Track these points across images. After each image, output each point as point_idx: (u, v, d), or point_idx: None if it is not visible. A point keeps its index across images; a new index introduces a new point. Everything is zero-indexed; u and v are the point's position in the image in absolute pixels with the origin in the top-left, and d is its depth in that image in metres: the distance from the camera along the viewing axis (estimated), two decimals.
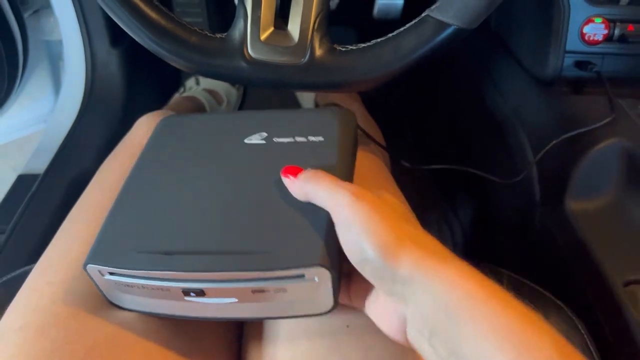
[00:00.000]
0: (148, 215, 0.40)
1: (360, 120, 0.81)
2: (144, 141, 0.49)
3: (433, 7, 0.47)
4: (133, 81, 1.02)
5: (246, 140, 0.46)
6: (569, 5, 0.67)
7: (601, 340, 0.50)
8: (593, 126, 0.61)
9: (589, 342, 0.48)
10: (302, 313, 0.38)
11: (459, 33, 0.46)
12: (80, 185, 0.54)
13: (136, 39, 0.48)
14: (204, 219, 0.39)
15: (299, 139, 0.45)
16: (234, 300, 0.37)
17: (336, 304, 0.37)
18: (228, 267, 0.35)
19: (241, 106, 1.28)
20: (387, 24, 1.17)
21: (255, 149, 0.45)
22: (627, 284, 0.52)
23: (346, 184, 0.36)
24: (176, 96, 1.14)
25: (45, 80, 1.15)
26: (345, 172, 0.42)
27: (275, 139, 0.46)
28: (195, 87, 1.16)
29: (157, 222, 0.40)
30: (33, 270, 0.44)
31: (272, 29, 0.49)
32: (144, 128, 0.58)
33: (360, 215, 0.33)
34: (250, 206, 0.40)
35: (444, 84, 1.04)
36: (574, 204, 0.60)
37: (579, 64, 0.72)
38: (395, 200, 0.37)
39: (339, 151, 0.44)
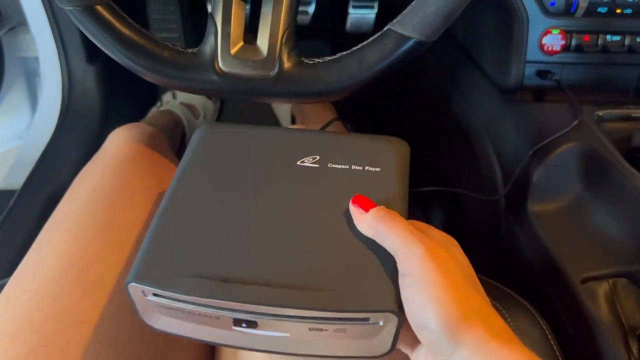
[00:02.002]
0: (198, 235, 0.37)
1: (333, 131, 0.84)
2: (118, 153, 0.50)
3: (395, 20, 0.49)
4: (110, 96, 1.03)
5: (299, 162, 0.44)
6: (528, 18, 0.70)
7: (562, 335, 0.52)
8: (562, 132, 0.64)
9: (550, 338, 0.51)
10: (355, 354, 0.36)
11: (419, 46, 0.49)
12: (57, 201, 0.55)
13: (110, 55, 0.50)
14: (261, 245, 0.37)
15: (355, 167, 0.44)
16: (287, 334, 0.35)
17: (393, 348, 0.35)
18: (292, 302, 0.33)
19: (217, 120, 1.29)
20: (360, 37, 1.20)
21: (309, 172, 0.43)
22: (585, 280, 0.54)
23: (420, 236, 0.33)
24: (153, 110, 1.15)
25: (21, 97, 1.15)
26: (403, 211, 0.40)
27: (330, 164, 0.44)
28: (172, 101, 1.18)
29: (208, 243, 0.37)
30: (9, 281, 0.45)
31: (241, 43, 0.52)
32: (117, 140, 0.59)
33: (430, 277, 0.31)
34: (310, 236, 0.37)
35: (414, 93, 1.07)
36: (536, 207, 0.63)
37: (539, 73, 0.75)
38: (462, 256, 0.35)
39: (398, 186, 0.42)
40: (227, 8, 0.51)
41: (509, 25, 0.71)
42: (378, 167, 0.43)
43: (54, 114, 1.00)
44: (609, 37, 0.71)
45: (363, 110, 1.24)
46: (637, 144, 0.60)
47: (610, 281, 0.54)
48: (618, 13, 0.69)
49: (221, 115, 1.31)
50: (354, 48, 0.51)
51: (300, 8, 1.07)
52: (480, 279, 0.34)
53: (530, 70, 0.75)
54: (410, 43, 0.49)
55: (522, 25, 0.70)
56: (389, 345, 0.35)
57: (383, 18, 1.07)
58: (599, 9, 0.69)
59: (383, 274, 0.35)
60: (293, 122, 1.16)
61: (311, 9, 1.07)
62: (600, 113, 0.66)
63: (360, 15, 1.10)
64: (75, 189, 0.55)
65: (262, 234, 0.38)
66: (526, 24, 0.70)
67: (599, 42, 0.71)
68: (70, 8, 0.47)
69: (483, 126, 0.77)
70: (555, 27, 0.71)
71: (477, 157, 0.77)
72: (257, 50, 0.51)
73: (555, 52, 0.72)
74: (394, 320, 0.33)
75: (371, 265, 0.35)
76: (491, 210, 0.72)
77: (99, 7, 0.48)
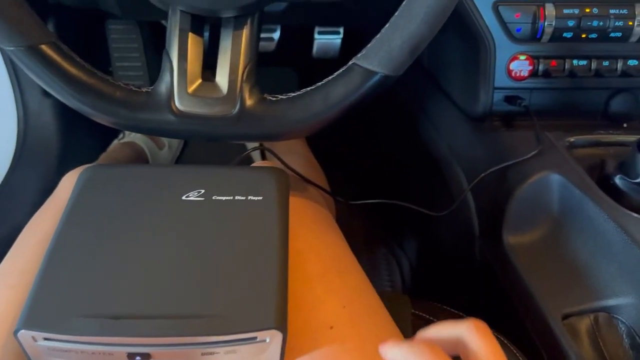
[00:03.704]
0: (84, 276, 0.39)
1: (303, 162, 0.81)
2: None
3: (359, 54, 0.47)
4: (69, 130, 0.99)
5: (184, 197, 0.46)
6: (495, 45, 0.69)
7: None
8: (520, 159, 0.63)
9: None
10: None
11: (385, 80, 0.47)
12: (12, 243, 0.52)
13: (58, 97, 0.47)
14: (149, 280, 0.39)
15: (239, 197, 0.46)
16: None
17: None
18: (180, 331, 0.35)
19: (183, 150, 1.26)
20: (328, 62, 1.19)
21: (195, 206, 0.45)
22: (566, 317, 0.52)
23: None
24: (115, 142, 1.11)
25: None
26: (283, 232, 0.44)
27: (215, 197, 0.46)
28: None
29: (95, 283, 0.38)
30: None
31: (200, 80, 0.49)
32: (68, 185, 0.56)
33: None
34: (194, 266, 0.40)
35: (384, 119, 1.06)
36: (510, 238, 0.61)
37: (508, 99, 0.74)
38: None
39: (279, 212, 0.46)
40: (183, 43, 0.48)
41: (475, 53, 0.70)
42: (260, 196, 0.46)
43: (9, 150, 0.96)
44: (575, 61, 0.71)
45: (332, 138, 1.22)
46: (610, 171, 0.59)
47: (592, 316, 0.52)
48: (583, 38, 0.69)
49: (186, 147, 1.28)
50: (319, 83, 0.49)
51: (265, 35, 1.05)
52: (450, 312, 0.33)
53: (498, 96, 0.74)
54: (376, 78, 0.47)
55: (489, 52, 0.69)
56: (277, 357, 0.38)
57: (349, 43, 1.06)
58: (565, 34, 0.68)
59: (265, 294, 0.38)
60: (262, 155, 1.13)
61: (276, 35, 1.05)
62: (571, 139, 0.65)
63: (326, 41, 1.10)
64: (22, 239, 0.51)
65: (149, 269, 0.39)
66: (493, 50, 0.69)
67: (566, 67, 0.71)
68: (12, 48, 0.44)
69: (453, 155, 0.76)
70: (522, 53, 0.70)
71: (449, 185, 0.75)
72: (216, 87, 0.49)
73: (523, 78, 0.71)
74: (278, 336, 0.37)
75: (253, 285, 0.39)
76: (466, 240, 0.70)
77: (43, 47, 0.45)
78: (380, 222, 1.08)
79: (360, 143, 1.22)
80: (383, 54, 0.46)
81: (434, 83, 0.84)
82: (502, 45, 0.69)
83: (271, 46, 1.10)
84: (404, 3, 0.46)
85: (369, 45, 0.47)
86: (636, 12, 0.68)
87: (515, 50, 0.70)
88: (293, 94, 0.49)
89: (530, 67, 0.71)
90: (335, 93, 0.48)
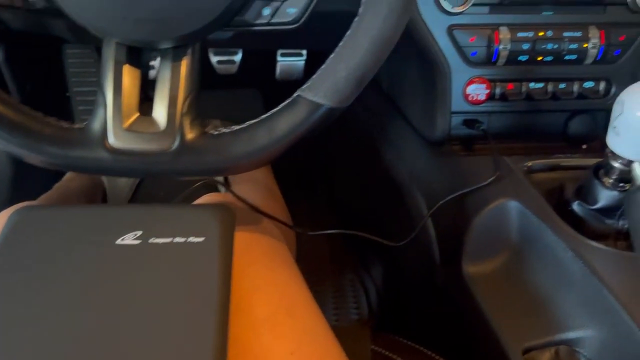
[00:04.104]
0: (9, 330, 0.37)
1: (262, 191, 0.78)
2: None
3: (305, 86, 0.45)
4: (20, 162, 0.95)
5: (118, 241, 0.43)
6: (450, 69, 0.68)
7: None
8: (477, 186, 0.62)
9: None
10: None
11: (331, 112, 0.45)
12: None
13: None
14: (74, 336, 0.37)
15: (178, 239, 0.44)
16: None
17: None
18: None
19: (142, 180, 1.22)
20: (292, 84, 1.16)
21: (129, 251, 0.43)
22: (526, 351, 0.51)
23: None
24: (69, 172, 1.07)
25: None
26: (225, 277, 0.41)
27: (152, 240, 0.44)
28: None
29: (15, 341, 0.36)
30: None
31: (136, 114, 0.46)
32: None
33: None
34: (125, 319, 0.38)
35: (345, 144, 1.04)
36: (470, 267, 0.59)
37: (467, 123, 0.73)
38: None
39: (220, 254, 0.43)
40: (117, 76, 0.46)
41: (432, 77, 0.69)
42: (202, 237, 0.44)
43: None
44: (532, 84, 0.70)
45: (295, 162, 1.20)
46: (568, 196, 0.58)
47: (553, 350, 0.50)
48: (539, 60, 0.68)
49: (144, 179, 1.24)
50: (263, 116, 0.47)
51: (226, 58, 1.03)
52: (411, 347, 0.31)
53: (457, 120, 0.73)
54: (321, 110, 0.45)
55: (444, 77, 0.68)
56: None
57: (313, 64, 1.05)
58: (520, 58, 0.68)
59: (201, 348, 0.36)
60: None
61: (237, 57, 1.03)
62: (529, 164, 0.64)
63: (289, 63, 1.08)
64: None
65: (76, 323, 0.37)
66: (449, 75, 0.68)
67: (523, 90, 0.70)
68: None
69: (414, 180, 0.74)
70: (479, 77, 0.69)
71: (410, 211, 0.73)
72: (154, 121, 0.46)
73: (481, 102, 0.70)
74: None
75: (189, 341, 0.37)
76: (428, 269, 0.68)
77: None
78: (347, 248, 1.06)
79: (324, 166, 1.20)
80: (328, 85, 0.44)
81: (394, 107, 0.83)
82: (458, 69, 0.68)
83: (233, 69, 1.07)
84: (348, 32, 0.44)
85: (314, 76, 0.45)
86: (590, 35, 0.67)
87: (471, 74, 0.69)
88: (237, 127, 0.47)
89: (487, 91, 0.70)
90: (280, 126, 0.45)
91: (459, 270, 0.60)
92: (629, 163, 0.52)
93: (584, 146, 0.75)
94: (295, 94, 0.46)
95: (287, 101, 0.46)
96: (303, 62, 1.07)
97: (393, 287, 0.88)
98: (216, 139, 0.46)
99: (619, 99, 0.50)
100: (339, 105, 0.45)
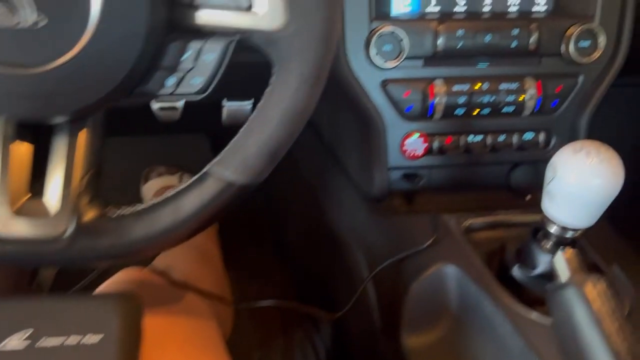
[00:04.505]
0: None
1: (194, 258, 0.73)
2: None
3: (215, 160, 0.42)
4: None
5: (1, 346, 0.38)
6: (385, 124, 0.65)
7: None
8: (415, 249, 0.59)
9: None
10: None
11: (243, 190, 0.41)
12: None
13: None
14: None
15: (72, 338, 0.39)
16: None
17: None
18: None
19: None
20: (239, 129, 1.12)
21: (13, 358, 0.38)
22: None
23: None
24: None
25: None
26: None
27: (41, 342, 0.39)
28: None
29: None
30: None
31: (27, 196, 0.41)
32: None
33: None
34: None
35: (292, 191, 1.00)
36: (410, 338, 0.56)
37: (407, 177, 0.70)
38: None
39: (120, 354, 0.39)
40: (4, 153, 0.41)
41: (367, 132, 0.66)
42: (100, 334, 0.40)
43: None
44: (470, 137, 0.68)
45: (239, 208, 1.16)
46: (509, 259, 0.55)
47: None
48: (476, 114, 0.66)
49: None
50: (169, 194, 0.42)
51: (168, 104, 0.99)
52: None
53: (397, 174, 0.70)
54: (232, 188, 0.41)
55: (380, 132, 0.66)
56: None
57: None
58: (457, 111, 0.66)
59: None
60: None
61: (180, 103, 0.99)
62: (469, 222, 0.62)
63: (235, 108, 1.04)
64: None
65: None
66: (384, 130, 0.66)
67: (461, 143, 0.68)
68: None
69: (353, 237, 0.71)
70: (416, 131, 0.67)
71: (351, 272, 0.70)
72: (46, 204, 0.41)
73: (418, 157, 0.67)
74: None
75: None
76: (370, 337, 0.65)
77: None
78: (297, 304, 1.01)
79: (273, 213, 1.16)
80: (239, 161, 0.41)
81: (334, 160, 0.80)
82: (394, 124, 0.66)
83: (175, 115, 1.03)
84: (259, 104, 0.41)
85: (225, 149, 0.42)
86: (526, 87, 0.66)
87: (407, 128, 0.67)
88: (140, 207, 0.42)
89: (425, 145, 0.67)
90: (187, 206, 0.41)
91: (398, 342, 0.56)
92: (565, 229, 0.49)
93: (528, 197, 0.73)
94: (205, 168, 0.42)
95: (196, 176, 0.42)
96: (250, 106, 1.04)
97: (339, 353, 0.84)
98: (116, 221, 0.42)
99: (551, 162, 0.48)
100: (251, 182, 0.41)
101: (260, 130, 0.40)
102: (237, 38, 0.41)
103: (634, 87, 1.26)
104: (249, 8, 0.39)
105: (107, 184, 1.27)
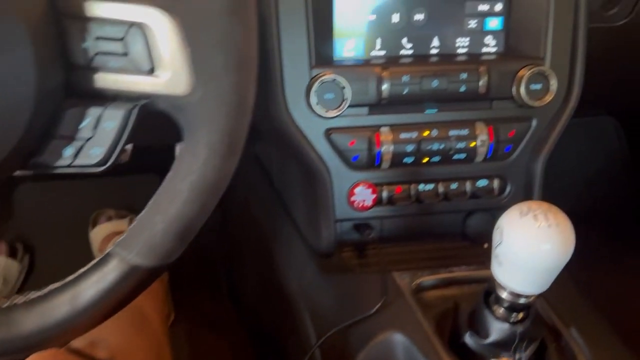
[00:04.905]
0: None
1: (128, 322, 0.67)
2: None
3: (119, 239, 0.37)
4: None
5: None
6: (331, 174, 0.62)
7: None
8: (362, 316, 0.54)
9: None
10: None
11: (150, 273, 0.36)
12: None
13: None
14: None
15: None
16: None
17: None
18: None
19: (24, 284, 1.09)
20: None
21: None
22: None
23: None
24: None
25: None
26: None
27: None
28: None
29: None
30: None
31: None
32: None
33: None
34: None
35: (245, 236, 0.95)
36: None
37: (357, 228, 0.66)
38: None
39: None
40: None
41: (313, 184, 0.62)
42: None
43: None
44: (421, 186, 0.65)
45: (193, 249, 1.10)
46: (460, 323, 0.51)
47: None
48: (426, 162, 0.63)
49: (29, 278, 1.11)
50: (68, 279, 0.37)
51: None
52: None
53: (346, 225, 0.66)
54: (137, 272, 0.36)
55: (325, 183, 0.62)
56: None
57: None
58: (405, 160, 0.62)
59: None
60: None
61: (129, 145, 0.94)
62: (419, 280, 0.58)
63: None
64: None
65: None
66: (330, 181, 0.62)
67: (412, 193, 0.65)
68: None
69: (302, 296, 0.66)
70: (364, 182, 0.63)
71: (299, 335, 0.65)
72: None
73: (367, 208, 0.64)
74: None
75: None
76: None
77: None
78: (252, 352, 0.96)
79: (228, 256, 1.11)
80: (144, 240, 0.36)
81: (284, 208, 0.76)
82: (340, 175, 0.62)
83: (125, 157, 0.99)
84: (166, 177, 0.37)
85: (130, 228, 0.37)
86: (477, 132, 0.63)
87: (354, 179, 0.63)
88: (34, 295, 0.37)
89: (374, 196, 0.63)
90: (86, 293, 0.36)
91: None
92: (517, 295, 0.45)
93: (486, 245, 0.70)
94: (109, 249, 0.37)
95: (98, 259, 0.37)
96: None
97: None
98: (5, 313, 0.37)
99: (498, 225, 0.44)
100: (158, 264, 0.37)
101: (167, 207, 0.36)
102: (140, 103, 0.36)
103: (591, 116, 1.26)
104: (151, 71, 0.35)
105: (53, 230, 1.20)
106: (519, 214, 0.43)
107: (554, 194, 1.09)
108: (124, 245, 0.36)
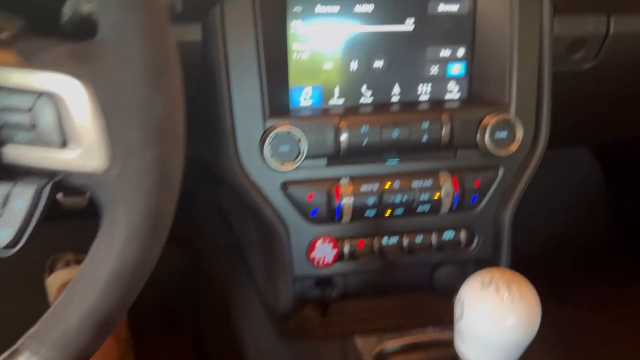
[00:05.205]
0: None
1: None
2: None
3: (30, 331, 0.33)
4: None
5: None
6: (289, 230, 0.58)
7: None
8: None
9: None
10: None
11: None
12: None
13: None
14: None
15: None
16: None
17: None
18: None
19: None
20: None
21: None
22: None
23: None
24: None
25: None
26: None
27: None
28: None
29: None
30: None
31: None
32: None
33: None
34: None
35: (206, 289, 0.91)
36: None
37: (319, 284, 0.63)
38: None
39: None
40: None
41: (269, 238, 0.59)
42: None
43: None
44: (385, 240, 0.61)
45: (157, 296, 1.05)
46: None
47: None
48: (389, 215, 0.60)
49: None
50: None
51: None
52: None
53: (307, 282, 0.62)
54: None
55: (282, 240, 0.58)
56: None
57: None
58: (367, 213, 0.59)
59: None
60: None
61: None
62: (382, 347, 0.54)
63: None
64: None
65: None
66: (287, 237, 0.58)
67: (375, 247, 0.61)
68: None
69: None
70: (324, 236, 0.59)
71: None
72: None
73: (328, 264, 0.60)
74: None
75: None
76: None
77: None
78: None
79: (193, 305, 1.05)
80: (57, 335, 0.32)
81: (243, 260, 0.72)
82: (299, 230, 0.59)
83: (83, 202, 0.95)
84: (83, 263, 0.33)
85: (41, 319, 0.33)
86: (441, 182, 0.60)
87: (314, 233, 0.59)
88: None
89: (335, 251, 0.60)
90: None
91: None
92: None
93: (455, 298, 0.66)
94: (19, 341, 0.33)
95: (6, 353, 0.33)
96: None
97: None
98: None
99: (458, 296, 0.41)
100: (75, 359, 0.32)
101: (83, 297, 0.32)
102: (54, 180, 0.33)
103: (565, 148, 1.24)
104: (63, 145, 0.31)
105: (4, 278, 1.14)
106: (481, 286, 0.39)
107: (528, 226, 1.07)
108: (35, 340, 0.32)
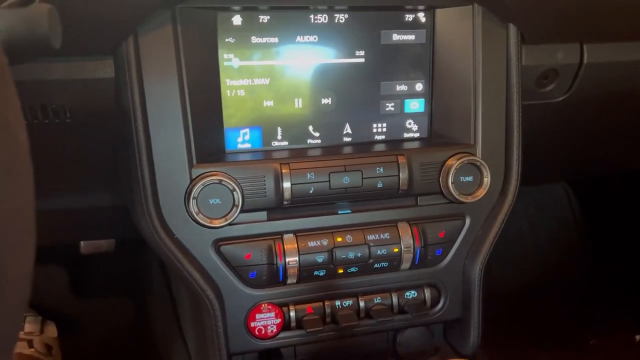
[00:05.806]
0: None
1: None
2: None
3: None
4: None
5: None
6: (222, 296, 0.49)
7: None
8: None
9: None
10: None
11: None
12: None
13: None
14: None
15: None
16: None
17: None
18: None
19: None
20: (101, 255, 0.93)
21: None
22: None
23: None
24: None
25: None
26: None
27: None
28: None
29: None
30: None
31: None
32: None
33: None
34: None
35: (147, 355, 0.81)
36: None
37: (264, 357, 0.54)
38: None
39: None
40: None
41: (198, 308, 0.50)
42: None
43: None
44: (337, 303, 0.53)
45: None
46: None
47: None
48: (341, 273, 0.51)
49: None
50: None
51: None
52: None
53: (250, 357, 0.53)
54: None
55: (214, 308, 0.49)
56: None
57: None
58: (316, 273, 0.51)
59: None
60: None
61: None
62: None
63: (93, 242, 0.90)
64: None
65: None
66: (221, 304, 0.49)
67: (327, 312, 0.53)
68: None
69: None
70: (266, 302, 0.50)
71: None
72: None
73: (272, 335, 0.51)
74: None
75: None
76: None
77: None
78: None
79: None
80: None
81: (179, 329, 0.62)
82: (235, 296, 0.50)
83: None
84: None
85: None
86: (400, 234, 0.52)
87: (254, 300, 0.51)
88: None
89: (279, 320, 0.51)
90: None
91: None
92: None
93: None
94: None
95: None
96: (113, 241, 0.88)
97: None
98: None
99: None
100: None
101: None
102: None
103: (541, 184, 1.18)
104: None
105: None
106: None
107: (505, 262, 1.00)
108: None
